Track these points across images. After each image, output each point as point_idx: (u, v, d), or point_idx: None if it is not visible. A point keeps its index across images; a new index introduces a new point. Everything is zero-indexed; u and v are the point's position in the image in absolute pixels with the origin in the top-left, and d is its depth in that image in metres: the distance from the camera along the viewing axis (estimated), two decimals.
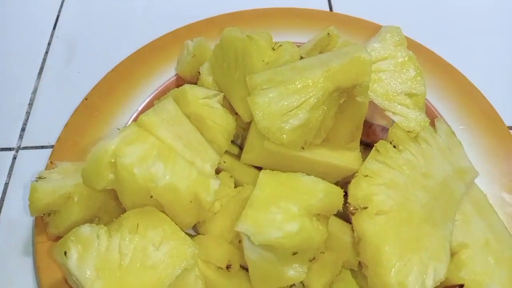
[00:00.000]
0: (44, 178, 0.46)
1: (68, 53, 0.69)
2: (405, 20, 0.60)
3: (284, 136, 0.41)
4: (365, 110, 0.42)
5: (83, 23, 0.73)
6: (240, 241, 0.43)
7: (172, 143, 0.43)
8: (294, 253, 0.37)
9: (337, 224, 0.43)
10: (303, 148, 0.43)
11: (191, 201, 0.41)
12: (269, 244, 0.35)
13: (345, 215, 0.43)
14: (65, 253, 0.38)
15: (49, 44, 0.70)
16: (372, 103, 0.49)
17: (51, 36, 0.71)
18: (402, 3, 0.74)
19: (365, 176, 0.40)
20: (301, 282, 0.45)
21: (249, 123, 0.50)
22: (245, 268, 0.44)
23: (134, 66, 0.61)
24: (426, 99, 0.57)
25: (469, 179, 0.48)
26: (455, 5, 0.74)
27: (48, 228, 0.47)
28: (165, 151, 0.42)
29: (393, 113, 0.45)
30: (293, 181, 0.40)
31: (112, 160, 0.39)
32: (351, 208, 0.39)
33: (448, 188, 0.44)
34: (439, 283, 0.39)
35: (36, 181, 0.46)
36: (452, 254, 0.42)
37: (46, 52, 0.69)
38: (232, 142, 0.54)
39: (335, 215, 0.44)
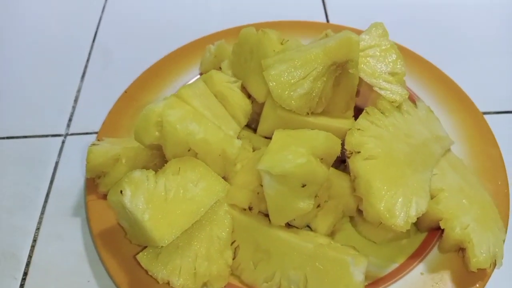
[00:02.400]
0: (98, 144, 0.57)
1: (107, 59, 0.82)
2: (396, 28, 0.72)
3: (293, 102, 0.52)
4: (357, 82, 0.53)
5: (119, 36, 0.86)
6: (258, 193, 0.53)
7: (203, 111, 0.54)
8: (303, 185, 0.46)
9: (337, 174, 0.53)
10: (308, 114, 0.53)
11: (219, 155, 0.51)
12: (283, 174, 0.45)
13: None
14: (121, 191, 0.48)
15: (89, 53, 0.83)
16: (363, 93, 0.60)
17: (91, 47, 0.84)
18: (392, 13, 0.87)
19: (357, 129, 0.50)
20: (309, 227, 0.54)
21: (262, 106, 0.61)
22: (263, 214, 0.53)
23: (165, 66, 0.73)
24: (408, 89, 0.69)
25: (445, 145, 0.58)
26: (444, 19, 0.88)
27: (98, 187, 0.57)
28: (198, 116, 0.52)
29: (379, 88, 0.56)
30: (301, 133, 0.50)
31: (159, 119, 0.50)
32: (347, 152, 0.49)
33: (427, 147, 0.54)
34: (421, 214, 0.48)
35: (92, 145, 0.56)
36: (431, 197, 0.51)
37: (88, 60, 0.82)
38: (248, 126, 0.64)
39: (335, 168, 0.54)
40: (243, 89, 0.63)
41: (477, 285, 0.48)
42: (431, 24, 0.86)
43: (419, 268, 0.51)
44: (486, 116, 0.67)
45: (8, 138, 0.70)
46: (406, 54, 0.71)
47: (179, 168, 0.49)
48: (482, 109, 0.67)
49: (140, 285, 0.49)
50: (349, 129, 0.50)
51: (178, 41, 0.77)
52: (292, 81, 0.51)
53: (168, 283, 0.48)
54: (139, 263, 0.50)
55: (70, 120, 0.72)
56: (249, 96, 0.62)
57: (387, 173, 0.48)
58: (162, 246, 0.48)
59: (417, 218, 0.49)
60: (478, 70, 0.77)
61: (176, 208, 0.47)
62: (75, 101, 0.75)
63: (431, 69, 0.71)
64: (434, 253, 0.52)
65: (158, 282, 0.48)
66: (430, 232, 0.54)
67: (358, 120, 0.51)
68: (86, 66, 0.81)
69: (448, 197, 0.51)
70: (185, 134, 0.49)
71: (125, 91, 0.70)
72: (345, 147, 0.49)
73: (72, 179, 0.64)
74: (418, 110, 0.59)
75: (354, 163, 0.48)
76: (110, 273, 0.52)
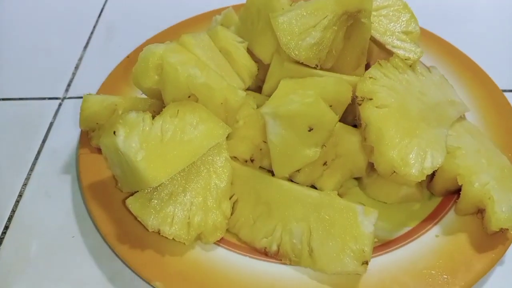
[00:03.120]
0: (94, 95, 0.54)
1: (111, 33, 0.80)
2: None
3: (303, 52, 0.49)
4: (369, 35, 0.51)
5: (124, 11, 0.85)
6: (261, 149, 0.50)
7: (206, 61, 0.52)
8: (310, 129, 0.43)
9: (345, 129, 0.49)
10: (317, 67, 0.50)
11: (221, 103, 0.48)
12: (289, 114, 0.42)
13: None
14: (114, 132, 0.44)
15: (94, 27, 0.82)
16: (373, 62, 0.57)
17: (97, 21, 0.83)
18: None
19: (369, 77, 0.47)
20: (314, 186, 0.50)
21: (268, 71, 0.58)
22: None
23: (170, 35, 0.70)
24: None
25: (460, 110, 0.55)
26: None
27: (92, 141, 0.54)
28: (201, 63, 0.50)
29: (393, 46, 0.53)
30: (309, 79, 0.47)
31: (159, 62, 0.47)
32: (358, 99, 0.46)
33: (441, 108, 0.51)
34: (436, 167, 0.44)
35: (88, 94, 0.53)
36: (448, 153, 0.47)
37: (92, 32, 0.80)
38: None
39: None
40: (250, 52, 0.61)
41: (498, 249, 0.44)
42: (446, 6, 0.85)
43: (434, 231, 0.47)
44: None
45: (4, 99, 0.68)
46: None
47: (178, 110, 0.46)
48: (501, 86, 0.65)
49: (127, 237, 0.45)
50: (361, 78, 0.47)
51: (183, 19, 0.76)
52: (301, 28, 0.49)
53: (158, 232, 0.44)
54: (128, 215, 0.46)
55: (69, 85, 0.70)
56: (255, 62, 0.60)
57: (400, 123, 0.45)
58: (154, 192, 0.44)
59: (433, 175, 0.46)
60: (496, 48, 0.75)
61: (172, 149, 0.43)
62: (76, 68, 0.73)
63: (445, 46, 0.68)
64: (450, 216, 0.48)
65: (147, 230, 0.44)
66: (445, 197, 0.50)
67: (370, 69, 0.48)
68: (89, 38, 0.79)
69: (466, 154, 0.47)
70: (185, 76, 0.46)
71: (127, 56, 0.68)
72: (356, 93, 0.46)
73: (65, 139, 0.61)
74: (432, 75, 0.56)
75: (365, 109, 0.45)
76: (97, 225, 0.48)
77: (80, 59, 0.75)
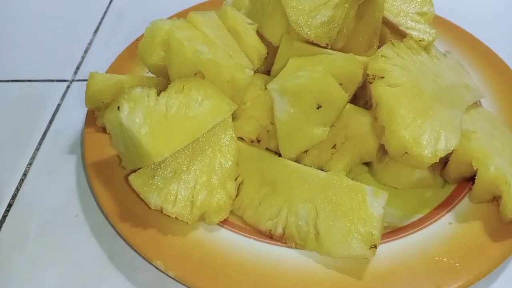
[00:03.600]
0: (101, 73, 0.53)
1: (121, 18, 0.80)
2: None
3: (313, 30, 0.47)
4: (381, 14, 0.49)
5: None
6: (268, 131, 0.48)
7: (214, 39, 0.50)
8: (319, 106, 0.41)
9: (355, 110, 0.47)
10: (327, 46, 0.49)
11: (228, 81, 0.47)
12: (297, 89, 0.40)
13: None
14: (118, 107, 0.44)
15: (105, 12, 0.81)
16: None
17: (108, 7, 0.83)
18: None
19: (381, 56, 0.45)
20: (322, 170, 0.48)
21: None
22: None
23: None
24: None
25: (476, 95, 0.52)
26: None
27: (97, 120, 0.53)
28: (208, 41, 0.49)
29: (406, 27, 0.51)
30: (319, 56, 0.45)
31: (165, 37, 0.46)
32: (369, 78, 0.44)
33: (456, 91, 0.49)
34: (450, 150, 0.42)
35: (94, 72, 0.53)
36: (463, 136, 0.45)
37: (102, 18, 0.80)
38: None
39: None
40: (260, 36, 0.59)
41: None
42: None
43: (447, 218, 0.44)
44: None
45: (13, 81, 0.68)
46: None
47: (183, 86, 0.45)
48: None
49: (129, 215, 0.44)
50: (372, 56, 0.46)
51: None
52: (311, 6, 0.47)
53: (161, 210, 0.43)
54: (131, 193, 0.45)
55: (77, 68, 0.70)
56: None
57: (412, 102, 0.43)
58: (158, 169, 0.43)
59: (446, 160, 0.44)
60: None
61: (176, 125, 0.42)
62: (85, 51, 0.73)
63: (459, 32, 0.66)
64: (464, 203, 0.46)
65: (150, 209, 0.43)
66: (459, 185, 0.48)
67: (382, 48, 0.47)
68: (100, 23, 0.79)
69: (480, 138, 0.45)
70: (192, 52, 0.45)
71: (137, 39, 0.67)
72: (367, 71, 0.44)
73: (72, 120, 0.61)
74: (448, 59, 0.54)
75: (377, 88, 0.43)
76: (99, 203, 0.47)
77: (90, 43, 0.74)
